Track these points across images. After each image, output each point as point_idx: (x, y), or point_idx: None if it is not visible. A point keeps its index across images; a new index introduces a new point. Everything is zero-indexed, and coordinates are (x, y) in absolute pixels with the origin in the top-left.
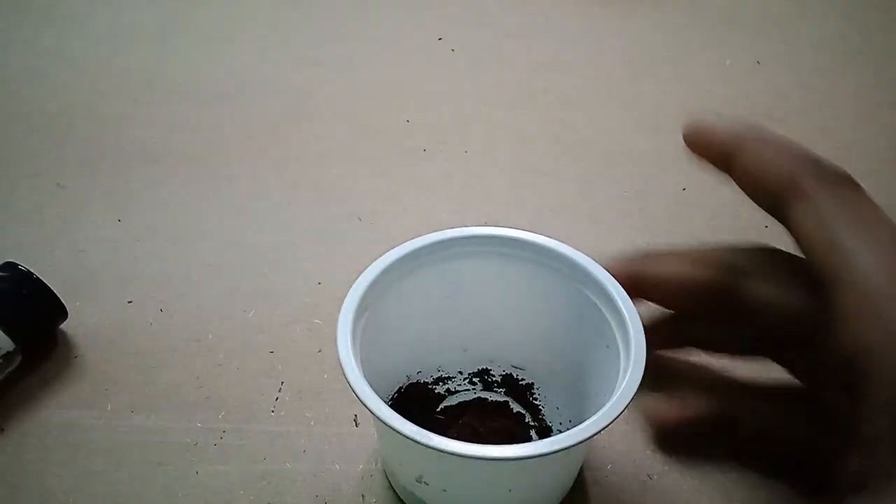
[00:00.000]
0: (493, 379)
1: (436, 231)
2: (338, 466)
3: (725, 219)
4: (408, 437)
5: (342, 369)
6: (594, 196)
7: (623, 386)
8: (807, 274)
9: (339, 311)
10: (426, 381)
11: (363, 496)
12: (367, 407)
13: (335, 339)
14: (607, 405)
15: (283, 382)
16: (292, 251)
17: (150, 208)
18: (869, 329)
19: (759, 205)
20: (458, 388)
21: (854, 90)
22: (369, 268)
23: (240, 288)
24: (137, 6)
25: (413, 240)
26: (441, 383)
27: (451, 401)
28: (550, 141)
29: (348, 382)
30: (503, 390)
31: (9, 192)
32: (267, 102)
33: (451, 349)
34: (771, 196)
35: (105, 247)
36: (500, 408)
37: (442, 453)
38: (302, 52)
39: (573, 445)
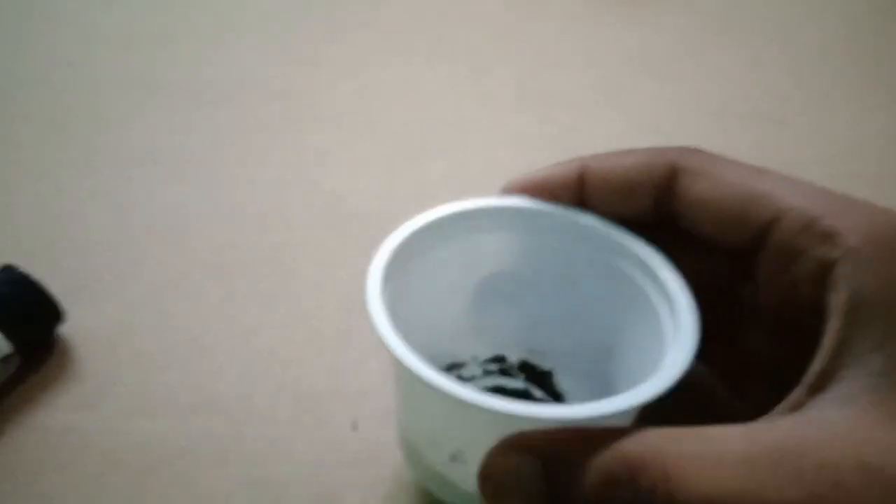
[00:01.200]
0: (511, 365)
1: (443, 204)
2: (337, 470)
3: None
4: (466, 402)
5: (377, 331)
6: None
7: (670, 359)
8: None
9: (339, 313)
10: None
11: (363, 499)
12: (411, 369)
13: (335, 340)
14: (673, 363)
15: (283, 385)
16: (292, 253)
17: (150, 210)
18: (826, 250)
19: (629, 208)
20: (473, 376)
21: (854, 90)
22: (386, 242)
23: (239, 290)
24: (137, 7)
25: (426, 213)
26: (453, 370)
27: None
28: (550, 141)
29: (383, 339)
30: (522, 377)
31: (8, 194)
32: (267, 103)
33: (464, 334)
34: (638, 189)
35: (104, 249)
36: (518, 397)
37: (499, 417)
38: (302, 52)
39: (657, 396)
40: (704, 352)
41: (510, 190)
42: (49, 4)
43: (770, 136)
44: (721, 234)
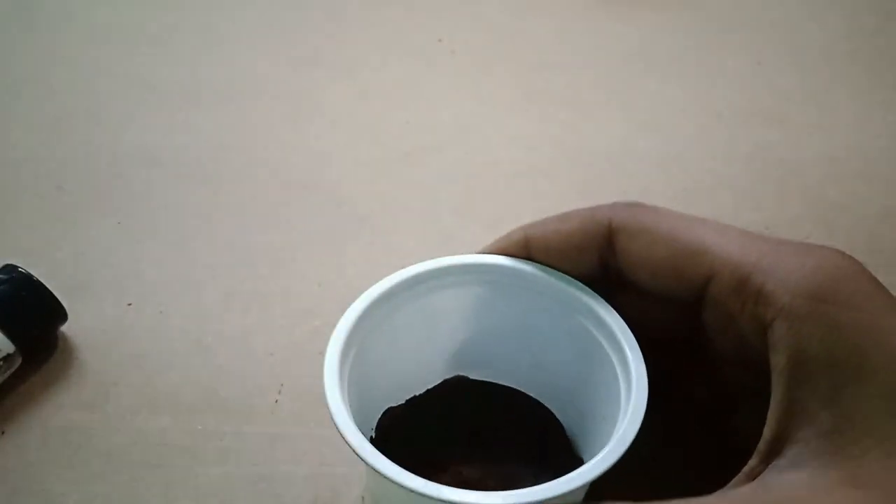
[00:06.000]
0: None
1: (415, 263)
2: (337, 469)
3: (726, 219)
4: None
5: (341, 433)
6: (594, 196)
7: (620, 432)
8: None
9: (340, 313)
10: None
11: (363, 498)
12: (381, 473)
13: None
14: (602, 452)
15: (282, 385)
16: (292, 253)
17: (150, 210)
18: (774, 302)
19: (575, 270)
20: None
21: (854, 90)
22: (346, 314)
23: (239, 290)
24: (137, 7)
25: (388, 277)
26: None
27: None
28: (551, 140)
29: (349, 445)
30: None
31: (9, 195)
32: (266, 104)
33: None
34: (580, 254)
35: (105, 249)
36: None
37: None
38: (302, 53)
39: (569, 492)
40: (659, 402)
41: None
42: (49, 4)
43: (771, 136)
44: (664, 290)
